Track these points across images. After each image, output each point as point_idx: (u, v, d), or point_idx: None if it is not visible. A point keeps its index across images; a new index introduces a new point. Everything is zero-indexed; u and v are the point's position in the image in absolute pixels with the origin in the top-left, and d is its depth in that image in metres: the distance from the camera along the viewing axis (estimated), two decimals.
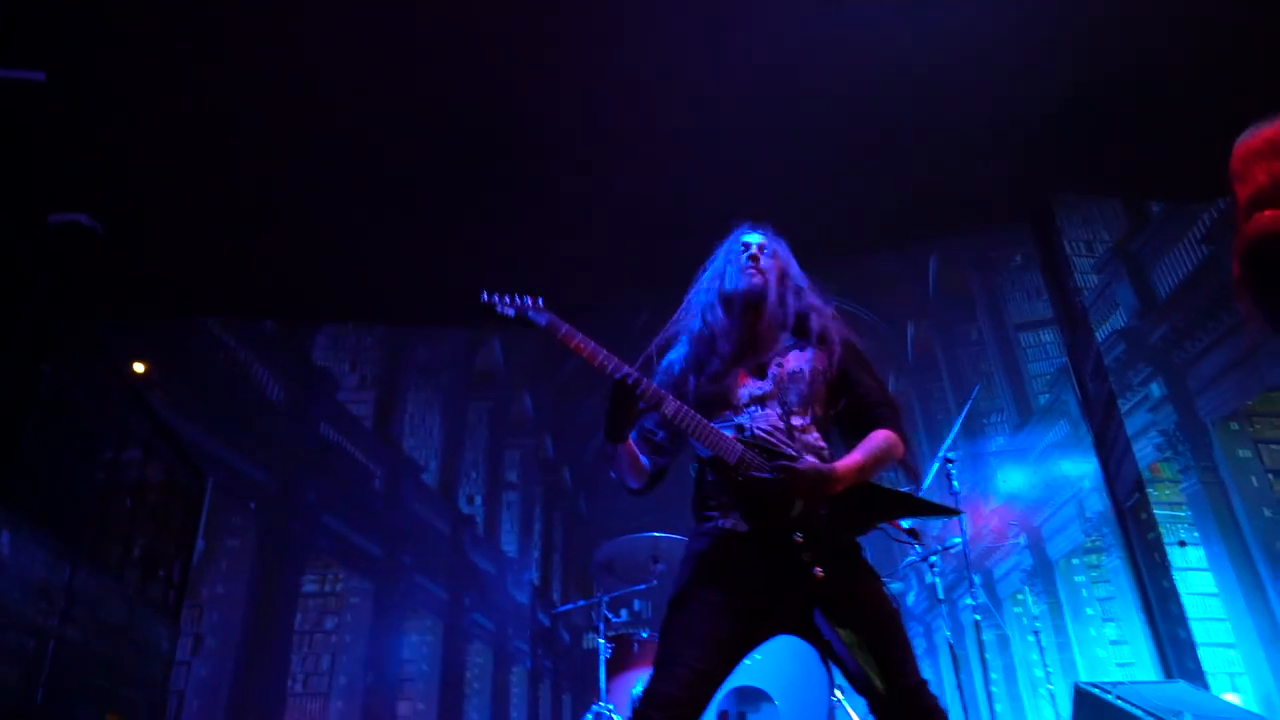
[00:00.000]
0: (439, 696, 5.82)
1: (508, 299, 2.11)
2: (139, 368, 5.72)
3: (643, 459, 2.18)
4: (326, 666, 5.66)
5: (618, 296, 6.51)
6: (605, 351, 2.05)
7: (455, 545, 6.34)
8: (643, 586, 4.28)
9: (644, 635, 4.28)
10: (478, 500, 6.41)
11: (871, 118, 5.74)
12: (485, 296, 2.11)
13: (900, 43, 4.99)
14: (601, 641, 4.12)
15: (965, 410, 4.41)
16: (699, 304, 2.29)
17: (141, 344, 5.94)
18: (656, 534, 4.27)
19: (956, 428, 4.21)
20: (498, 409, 6.70)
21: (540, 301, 2.10)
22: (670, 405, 2.02)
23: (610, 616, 4.28)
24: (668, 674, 1.90)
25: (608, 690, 4.03)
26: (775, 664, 3.69)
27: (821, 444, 2.09)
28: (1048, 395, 6.33)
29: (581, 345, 2.04)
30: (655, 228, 6.09)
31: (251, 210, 5.63)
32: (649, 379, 2.05)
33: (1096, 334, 6.04)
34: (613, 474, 2.20)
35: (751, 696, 3.74)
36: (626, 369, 2.02)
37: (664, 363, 2.28)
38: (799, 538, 1.95)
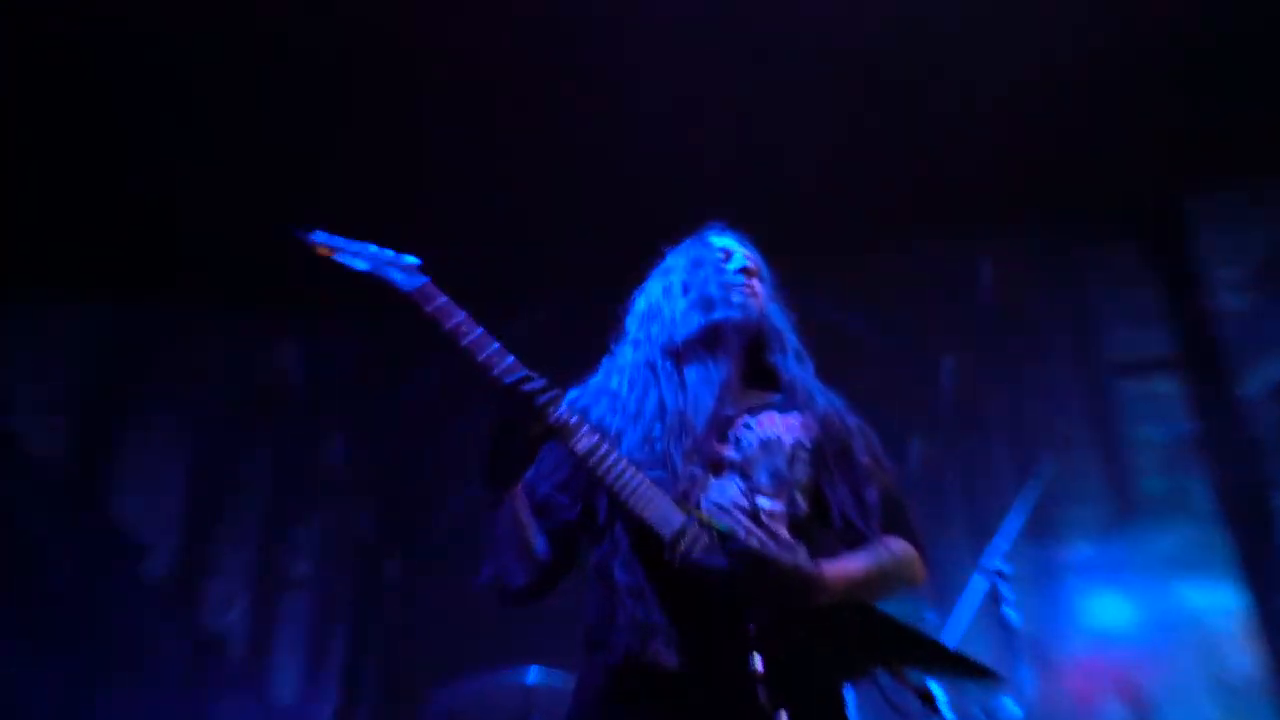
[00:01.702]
0: None
1: (355, 245, 1.62)
2: None
3: (535, 537, 1.62)
4: None
5: (503, 288, 4.39)
6: (496, 344, 1.54)
7: (186, 684, 3.78)
8: None
9: None
10: (238, 607, 3.87)
11: (894, 68, 4.08)
12: (316, 235, 1.62)
13: None
14: None
15: (1029, 496, 3.22)
16: (668, 329, 1.78)
17: None
18: (530, 671, 3.32)
19: (1014, 523, 3.12)
20: (287, 454, 4.17)
21: (415, 261, 1.61)
22: (584, 440, 1.53)
23: None
24: None
25: None
26: None
27: (797, 546, 1.56)
28: (1161, 478, 4.14)
29: (463, 330, 1.54)
30: (583, 199, 4.41)
31: None
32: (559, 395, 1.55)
33: (1244, 386, 3.90)
34: (484, 572, 1.63)
35: None
36: (525, 371, 1.54)
37: (569, 397, 1.65)
38: (759, 665, 1.41)
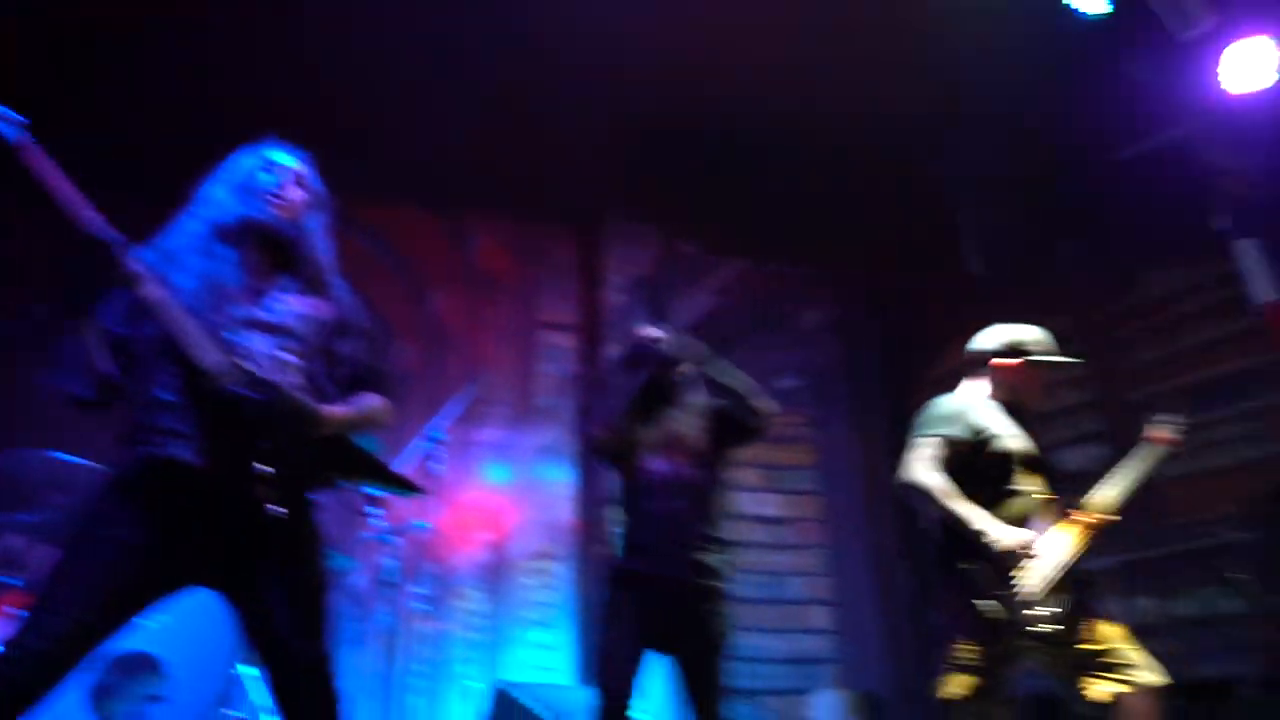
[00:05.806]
0: None
1: None
2: None
3: (102, 357, 1.89)
4: None
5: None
6: (89, 207, 1.74)
7: None
8: (26, 518, 3.60)
9: (14, 583, 3.43)
10: None
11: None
12: None
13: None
14: None
15: (466, 396, 4.54)
16: (213, 211, 2.08)
17: None
18: (64, 457, 3.68)
19: (453, 410, 4.15)
20: None
21: (20, 119, 1.68)
22: (154, 289, 1.81)
23: None
24: (38, 623, 1.69)
25: None
26: (170, 628, 3.26)
27: (307, 390, 1.97)
28: (550, 398, 6.31)
29: (60, 187, 1.68)
30: None
31: None
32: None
33: (608, 352, 6.18)
34: (56, 379, 1.90)
35: (137, 665, 3.27)
36: (111, 230, 1.76)
37: (140, 253, 1.89)
38: (265, 470, 1.78)
